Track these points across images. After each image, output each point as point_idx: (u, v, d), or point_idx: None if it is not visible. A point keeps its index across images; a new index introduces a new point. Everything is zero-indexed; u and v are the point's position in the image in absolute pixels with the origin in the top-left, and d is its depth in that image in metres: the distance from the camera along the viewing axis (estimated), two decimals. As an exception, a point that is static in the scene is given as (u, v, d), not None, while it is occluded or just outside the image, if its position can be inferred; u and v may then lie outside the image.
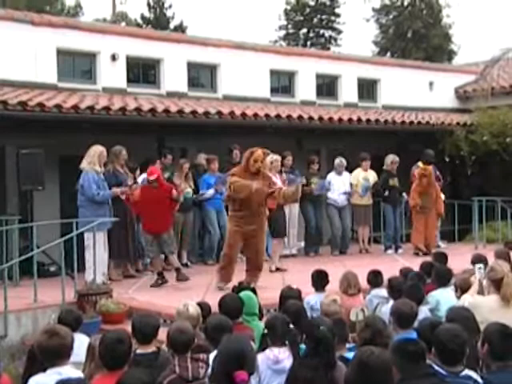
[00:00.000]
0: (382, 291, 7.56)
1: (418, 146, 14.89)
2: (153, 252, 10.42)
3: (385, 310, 6.64)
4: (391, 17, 39.17)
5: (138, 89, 14.66)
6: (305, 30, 40.93)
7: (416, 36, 37.45)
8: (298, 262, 12.59)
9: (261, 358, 5.12)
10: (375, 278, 7.90)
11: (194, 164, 12.69)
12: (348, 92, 18.07)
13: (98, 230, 9.81)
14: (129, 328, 5.40)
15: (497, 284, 6.13)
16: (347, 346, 5.42)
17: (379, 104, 18.62)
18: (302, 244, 14.05)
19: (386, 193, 13.62)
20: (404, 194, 13.75)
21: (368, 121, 15.02)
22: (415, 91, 19.04)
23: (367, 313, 6.97)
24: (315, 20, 40.52)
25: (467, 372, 4.53)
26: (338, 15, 40.75)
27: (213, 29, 52.36)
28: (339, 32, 41.13)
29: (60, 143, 11.72)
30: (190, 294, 8.67)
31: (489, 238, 14.35)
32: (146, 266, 11.64)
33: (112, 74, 14.27)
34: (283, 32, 40.97)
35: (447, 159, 15.73)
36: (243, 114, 13.21)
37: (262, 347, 5.40)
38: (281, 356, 5.12)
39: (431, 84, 19.68)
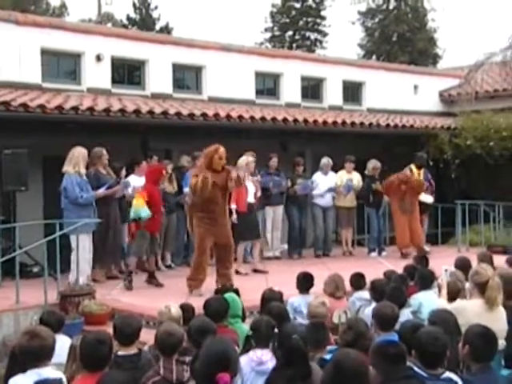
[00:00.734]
0: (365, 293, 7.57)
1: (402, 150, 14.96)
2: (142, 252, 10.39)
3: (367, 313, 6.65)
4: (377, 20, 39.38)
5: (123, 90, 14.62)
6: (290, 33, 41.06)
7: (401, 39, 37.66)
8: (282, 264, 12.60)
9: (244, 359, 5.13)
10: (358, 281, 7.89)
11: (177, 166, 12.67)
12: (333, 95, 18.11)
13: (83, 231, 9.78)
14: (111, 329, 5.38)
15: (481, 287, 6.12)
16: (329, 348, 5.43)
17: (364, 107, 18.69)
18: (286, 246, 14.06)
19: (371, 198, 13.67)
20: (385, 197, 13.77)
21: (353, 124, 15.06)
22: (400, 94, 19.12)
23: (350, 315, 7.01)
24: (301, 22, 40.63)
25: (448, 374, 4.56)
26: (323, 18, 40.90)
27: (199, 30, 52.48)
28: (325, 35, 41.28)
29: (44, 144, 11.65)
30: (174, 296, 8.65)
31: (472, 242, 14.41)
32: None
33: (97, 75, 14.22)
34: (269, 34, 41.09)
35: (431, 163, 15.79)
36: (228, 116, 13.20)
37: (246, 348, 5.41)
38: (264, 357, 5.13)
39: (416, 87, 19.78)
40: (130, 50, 14.75)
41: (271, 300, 6.55)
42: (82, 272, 9.72)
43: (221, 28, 58.61)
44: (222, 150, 9.41)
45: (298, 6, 40.54)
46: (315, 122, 14.48)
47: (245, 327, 6.35)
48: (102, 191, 10.59)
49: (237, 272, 11.26)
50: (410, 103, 19.26)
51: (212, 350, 3.85)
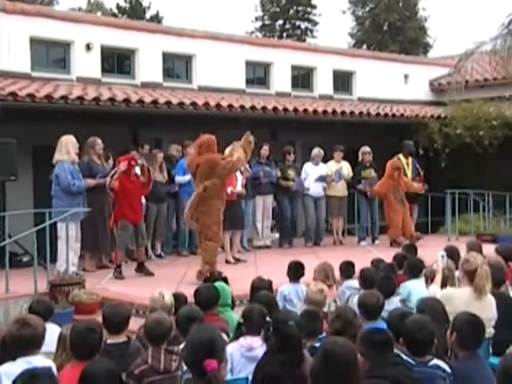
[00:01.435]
0: (355, 282, 7.59)
1: (392, 139, 14.97)
2: (126, 243, 10.40)
3: (356, 301, 6.67)
4: (367, 9, 39.33)
5: (113, 79, 14.57)
6: (281, 22, 40.96)
7: (392, 29, 37.65)
8: (272, 253, 12.63)
9: (234, 345, 5.16)
10: (347, 269, 7.89)
11: (166, 155, 12.63)
12: (323, 84, 18.11)
13: (71, 220, 9.78)
14: (101, 319, 5.39)
15: (470, 275, 6.15)
16: (320, 336, 5.45)
17: (354, 96, 18.69)
18: (277, 235, 14.08)
19: (361, 185, 13.68)
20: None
21: (343, 113, 15.07)
22: (390, 84, 19.14)
23: (339, 303, 7.02)
24: (291, 11, 40.56)
25: (436, 361, 4.60)
26: (314, 7, 40.80)
27: (189, 19, 52.26)
28: (315, 24, 41.20)
29: (33, 133, 11.63)
30: (164, 285, 8.62)
31: (461, 231, 14.50)
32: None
33: (86, 64, 14.16)
34: (259, 23, 40.99)
35: (421, 152, 15.82)
36: (218, 106, 13.19)
37: (236, 336, 5.42)
38: (254, 344, 5.15)
39: (406, 77, 19.80)
40: (120, 38, 14.69)
41: (260, 289, 6.56)
42: (70, 261, 9.70)
43: (211, 17, 58.52)
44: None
45: (288, -5, 40.46)
46: (305, 111, 14.48)
47: (234, 316, 6.37)
48: (92, 180, 10.58)
49: (226, 261, 11.31)
50: (400, 92, 19.28)
51: (197, 337, 3.85)
